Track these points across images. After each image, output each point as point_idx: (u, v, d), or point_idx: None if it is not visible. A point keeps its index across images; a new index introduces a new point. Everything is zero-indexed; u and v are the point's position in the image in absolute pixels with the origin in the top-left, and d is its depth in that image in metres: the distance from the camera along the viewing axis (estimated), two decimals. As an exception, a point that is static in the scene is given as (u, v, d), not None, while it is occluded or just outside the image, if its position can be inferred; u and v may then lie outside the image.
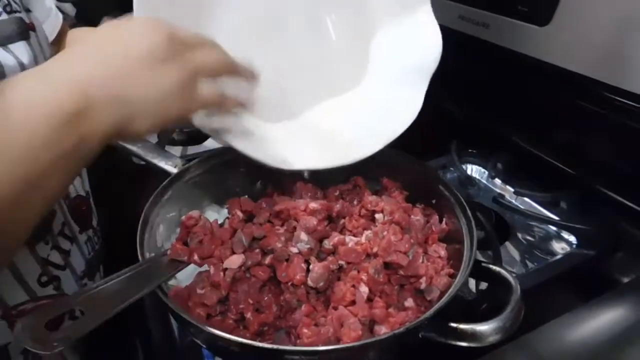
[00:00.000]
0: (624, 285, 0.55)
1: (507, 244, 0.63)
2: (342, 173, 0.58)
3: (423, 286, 0.47)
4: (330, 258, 0.47)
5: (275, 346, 0.38)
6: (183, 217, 0.52)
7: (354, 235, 0.50)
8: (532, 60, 0.67)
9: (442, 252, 0.50)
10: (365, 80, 0.55)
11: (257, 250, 0.47)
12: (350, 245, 0.47)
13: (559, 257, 0.60)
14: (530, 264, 0.61)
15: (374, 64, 0.55)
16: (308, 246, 0.46)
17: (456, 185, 0.73)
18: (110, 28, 0.37)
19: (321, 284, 0.45)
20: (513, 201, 0.70)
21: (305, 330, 0.42)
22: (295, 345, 0.43)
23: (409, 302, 0.46)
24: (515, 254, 0.62)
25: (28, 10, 0.54)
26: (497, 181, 0.73)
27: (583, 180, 0.67)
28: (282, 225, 0.49)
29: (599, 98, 0.62)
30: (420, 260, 0.48)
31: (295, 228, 0.48)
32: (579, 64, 0.61)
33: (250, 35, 0.51)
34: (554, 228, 0.65)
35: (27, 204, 0.31)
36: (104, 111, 0.32)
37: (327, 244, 0.48)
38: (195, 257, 0.47)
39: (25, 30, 0.49)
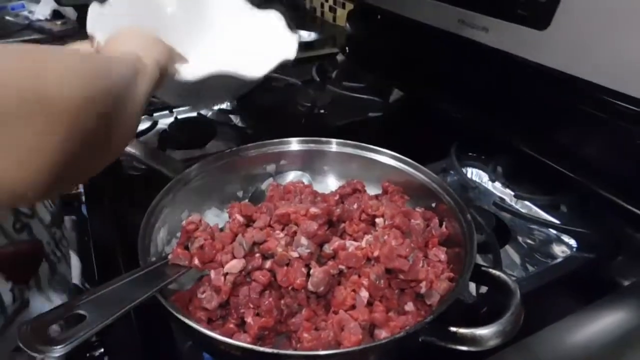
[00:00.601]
0: (624, 288, 0.55)
1: (508, 247, 0.63)
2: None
3: (423, 290, 0.47)
4: (330, 262, 0.47)
5: (275, 351, 0.39)
6: (184, 222, 0.52)
7: (354, 240, 0.50)
8: (532, 64, 0.67)
9: (442, 256, 0.50)
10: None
11: (258, 255, 0.47)
12: (350, 249, 0.47)
13: (559, 260, 0.60)
14: (530, 268, 0.61)
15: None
16: (308, 250, 0.46)
17: (456, 189, 0.72)
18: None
19: (321, 288, 0.45)
20: (513, 204, 0.70)
21: (305, 335, 0.42)
22: (295, 349, 0.43)
23: (409, 306, 0.46)
24: (516, 258, 0.62)
25: None
26: (498, 185, 0.73)
27: (583, 184, 0.67)
28: (282, 230, 0.49)
29: (599, 101, 0.62)
30: (421, 265, 0.48)
31: (295, 232, 0.48)
32: (578, 68, 0.61)
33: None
34: (554, 231, 0.65)
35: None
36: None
37: (328, 248, 0.48)
38: (196, 262, 0.47)
39: None
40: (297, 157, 0.66)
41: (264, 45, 0.77)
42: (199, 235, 0.49)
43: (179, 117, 0.93)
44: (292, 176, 0.66)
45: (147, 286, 0.42)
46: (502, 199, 0.70)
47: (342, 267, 0.47)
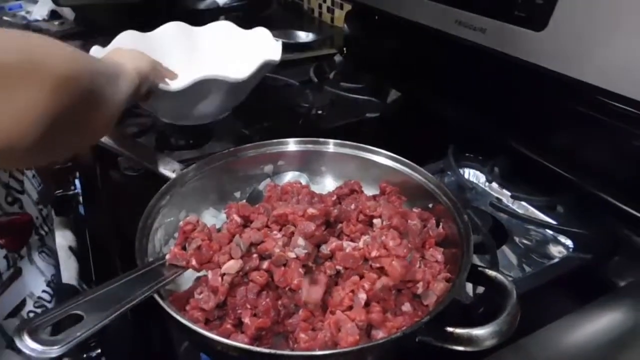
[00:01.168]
0: (621, 289, 0.55)
1: (505, 247, 0.63)
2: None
3: (420, 291, 0.47)
4: (327, 263, 0.47)
5: (272, 351, 0.39)
6: (181, 222, 0.52)
7: (352, 240, 0.50)
8: (529, 65, 0.67)
9: (439, 257, 0.50)
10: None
11: (255, 256, 0.47)
12: (347, 250, 0.47)
13: (555, 261, 0.60)
14: (527, 268, 0.61)
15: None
16: (305, 251, 0.46)
17: (454, 190, 0.73)
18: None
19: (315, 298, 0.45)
20: (510, 205, 0.70)
21: (302, 335, 0.42)
22: (293, 350, 0.43)
23: (406, 307, 0.46)
24: (513, 258, 0.63)
25: None
26: (495, 185, 0.73)
27: (580, 185, 0.67)
28: (279, 230, 0.50)
29: (595, 103, 0.62)
30: (418, 265, 0.48)
31: (293, 233, 0.48)
32: (575, 69, 0.62)
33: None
34: (550, 232, 0.65)
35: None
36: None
37: (325, 249, 0.48)
38: (194, 263, 0.47)
39: None
40: (294, 158, 0.66)
41: (250, 54, 0.86)
42: (196, 235, 0.49)
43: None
44: (289, 177, 0.66)
45: (144, 286, 0.42)
46: (499, 200, 0.71)
47: (339, 267, 0.47)
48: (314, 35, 1.39)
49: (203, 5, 1.57)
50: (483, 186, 0.74)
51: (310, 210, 0.49)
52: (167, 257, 0.47)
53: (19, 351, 0.36)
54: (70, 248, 0.76)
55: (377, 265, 0.47)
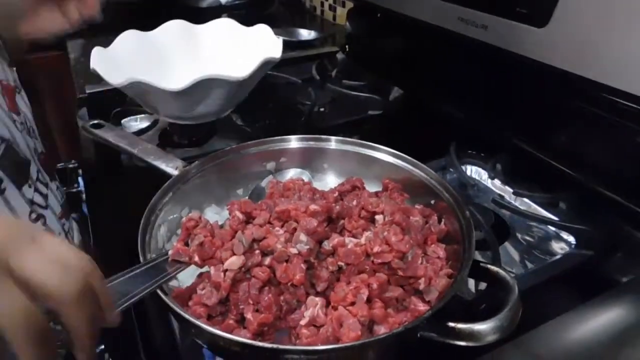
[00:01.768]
0: (622, 285, 0.55)
1: (507, 244, 0.63)
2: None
3: (422, 287, 0.47)
4: (329, 259, 0.47)
5: (274, 346, 0.39)
6: (184, 219, 0.52)
7: (354, 237, 0.50)
8: (531, 62, 0.67)
9: (441, 253, 0.50)
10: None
11: (257, 252, 0.47)
12: (349, 246, 0.48)
13: (558, 257, 0.60)
14: (529, 264, 0.61)
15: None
16: (307, 247, 0.46)
17: (456, 187, 0.73)
18: None
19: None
20: (512, 202, 0.70)
21: (304, 331, 0.43)
22: (295, 345, 0.43)
23: (408, 303, 0.46)
24: (515, 255, 0.63)
25: None
26: (497, 182, 0.73)
27: (582, 181, 0.67)
28: (282, 227, 0.50)
29: (598, 99, 0.62)
30: (420, 262, 0.48)
31: (295, 229, 0.48)
32: (577, 65, 0.62)
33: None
34: (553, 228, 0.65)
35: None
36: None
37: (327, 245, 0.48)
38: (196, 259, 0.47)
39: None
40: (296, 155, 0.66)
41: (252, 52, 0.86)
42: (198, 232, 0.50)
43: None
44: (291, 173, 0.66)
45: (147, 281, 0.43)
46: (501, 197, 0.71)
47: (341, 264, 0.47)
48: (316, 33, 1.39)
49: (205, 3, 1.57)
50: (485, 183, 0.74)
51: (313, 207, 0.49)
52: (170, 252, 0.48)
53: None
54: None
55: (379, 261, 0.47)
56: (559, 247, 0.63)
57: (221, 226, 0.53)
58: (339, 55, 1.25)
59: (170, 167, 0.60)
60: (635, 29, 0.54)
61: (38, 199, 0.62)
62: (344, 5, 1.52)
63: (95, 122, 0.68)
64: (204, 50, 0.97)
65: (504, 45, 0.71)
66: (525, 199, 0.69)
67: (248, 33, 0.94)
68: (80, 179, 0.93)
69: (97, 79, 0.76)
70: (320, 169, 0.67)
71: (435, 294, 0.47)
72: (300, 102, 1.00)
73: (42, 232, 0.34)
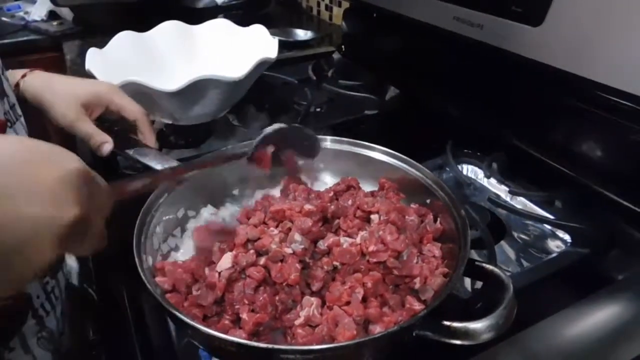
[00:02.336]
0: (618, 283, 0.55)
1: (503, 243, 0.63)
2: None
3: (417, 286, 0.47)
4: (324, 259, 0.47)
5: (270, 345, 0.39)
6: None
7: (349, 236, 0.50)
8: (526, 61, 0.67)
9: (437, 252, 0.51)
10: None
11: (252, 251, 0.47)
12: (345, 246, 0.48)
13: (553, 255, 0.61)
14: (525, 263, 0.61)
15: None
16: (302, 246, 0.46)
17: (452, 186, 0.73)
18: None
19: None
20: (508, 200, 0.70)
21: (300, 330, 0.43)
22: (290, 345, 0.43)
23: (404, 302, 0.46)
24: (511, 253, 0.63)
25: None
26: (493, 181, 0.73)
27: (578, 180, 0.67)
28: (276, 227, 0.50)
29: (593, 97, 0.62)
30: (415, 261, 0.48)
31: (290, 229, 0.48)
32: (572, 64, 0.62)
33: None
34: (548, 227, 0.65)
35: None
36: None
37: (322, 244, 0.48)
38: None
39: None
40: None
41: (247, 53, 0.86)
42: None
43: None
44: None
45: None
46: (497, 195, 0.71)
47: (336, 263, 0.47)
48: (312, 33, 1.39)
49: (201, 4, 1.57)
50: (481, 182, 0.74)
51: (308, 206, 0.49)
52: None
53: None
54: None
55: (375, 260, 0.47)
56: (554, 246, 0.63)
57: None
58: (335, 55, 1.25)
59: (166, 167, 0.60)
60: (630, 28, 0.54)
61: None
62: (340, 5, 1.52)
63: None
64: (200, 50, 0.97)
65: (500, 44, 0.71)
66: (521, 198, 0.69)
67: (244, 33, 0.94)
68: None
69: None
70: (316, 168, 0.67)
71: (430, 293, 0.47)
72: (296, 102, 1.00)
73: None
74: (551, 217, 0.65)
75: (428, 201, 0.57)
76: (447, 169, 0.76)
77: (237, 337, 0.41)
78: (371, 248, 0.47)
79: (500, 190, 0.72)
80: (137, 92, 0.74)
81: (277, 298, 0.45)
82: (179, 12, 1.20)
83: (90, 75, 0.75)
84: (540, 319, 0.48)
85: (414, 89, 1.02)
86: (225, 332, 0.42)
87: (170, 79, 0.82)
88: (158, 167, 0.61)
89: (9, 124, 0.51)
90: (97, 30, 1.42)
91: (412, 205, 0.56)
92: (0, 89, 0.50)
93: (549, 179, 0.69)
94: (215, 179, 0.62)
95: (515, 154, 0.75)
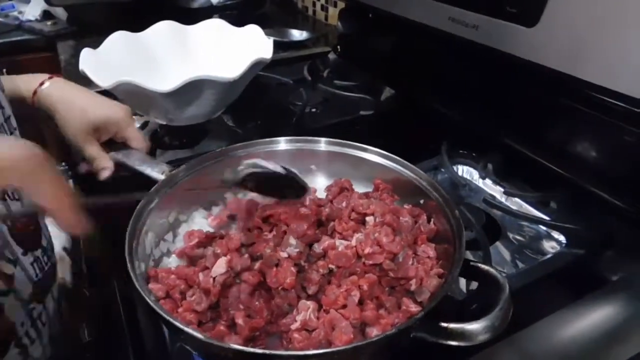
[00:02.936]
0: (613, 283, 0.55)
1: (498, 244, 0.63)
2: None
3: (413, 288, 0.47)
4: (320, 262, 0.47)
5: (267, 351, 0.38)
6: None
7: (344, 238, 0.50)
8: (521, 61, 0.67)
9: (431, 253, 0.50)
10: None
11: (246, 256, 0.47)
12: (340, 249, 0.47)
13: (549, 256, 0.61)
14: (520, 264, 0.61)
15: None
16: (297, 250, 0.46)
17: (447, 187, 0.73)
18: None
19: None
20: (503, 201, 0.70)
21: (296, 335, 0.42)
22: (287, 350, 0.43)
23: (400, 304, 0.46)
24: (506, 254, 0.63)
25: None
26: (488, 182, 0.73)
27: (573, 180, 0.67)
28: (270, 231, 0.49)
29: (588, 98, 0.62)
30: (410, 262, 0.48)
31: (285, 232, 0.48)
32: (567, 65, 0.62)
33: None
34: (544, 228, 0.65)
35: None
36: None
37: (318, 248, 0.48)
38: None
39: None
40: (285, 157, 0.66)
41: (242, 53, 0.85)
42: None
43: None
44: None
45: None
46: (492, 196, 0.71)
47: (332, 266, 0.47)
48: (307, 34, 1.39)
49: (196, 4, 1.56)
50: (476, 183, 0.74)
51: (303, 210, 0.49)
52: None
53: None
54: (65, 249, 0.75)
55: (371, 262, 0.47)
56: (549, 246, 0.63)
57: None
58: (331, 56, 1.25)
59: (156, 171, 0.59)
60: (624, 29, 0.54)
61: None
62: (335, 5, 1.52)
63: None
64: (195, 51, 0.96)
65: (495, 44, 0.71)
66: (516, 199, 0.69)
67: (239, 33, 0.94)
68: (70, 181, 0.92)
69: (87, 81, 0.75)
70: (310, 170, 0.66)
71: (427, 295, 0.47)
72: (291, 102, 1.00)
73: None
74: (546, 218, 0.65)
75: (421, 201, 0.57)
76: (442, 169, 0.76)
77: (233, 344, 0.40)
78: (367, 250, 0.47)
79: (496, 191, 0.72)
80: (131, 92, 0.73)
81: (272, 303, 0.45)
82: (173, 12, 1.19)
83: (83, 76, 0.75)
84: (535, 320, 0.48)
85: (409, 90, 1.02)
86: (221, 338, 0.42)
87: (164, 79, 0.82)
88: (147, 171, 0.60)
89: None
90: (91, 30, 1.41)
91: (405, 206, 0.56)
92: None
93: (544, 180, 0.69)
94: (207, 182, 0.61)
95: (510, 155, 0.75)
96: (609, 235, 0.61)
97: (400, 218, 0.52)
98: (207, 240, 0.52)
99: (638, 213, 0.58)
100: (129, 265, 0.45)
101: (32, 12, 1.59)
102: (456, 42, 0.78)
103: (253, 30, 0.92)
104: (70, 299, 0.65)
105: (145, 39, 0.92)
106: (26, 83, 0.63)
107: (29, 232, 0.56)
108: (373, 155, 0.62)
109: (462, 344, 0.40)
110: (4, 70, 1.44)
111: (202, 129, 0.87)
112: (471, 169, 0.77)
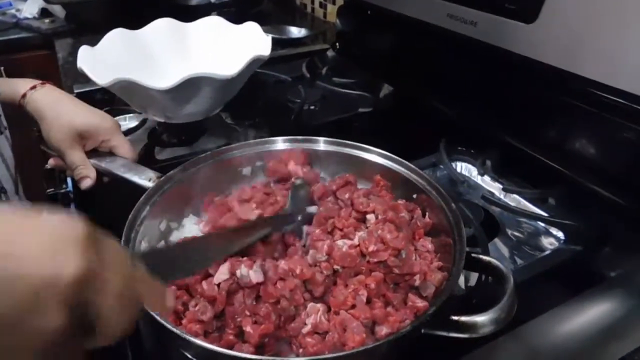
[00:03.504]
0: (611, 279, 0.56)
1: (496, 240, 0.64)
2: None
3: (417, 283, 0.47)
4: (323, 264, 0.47)
5: (284, 359, 0.38)
6: None
7: (346, 236, 0.50)
8: (520, 58, 0.67)
9: (430, 246, 0.51)
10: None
11: (246, 258, 0.46)
12: (344, 249, 0.47)
13: (547, 252, 0.61)
14: (519, 260, 0.61)
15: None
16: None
17: (446, 183, 0.73)
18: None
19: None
20: (502, 198, 0.70)
21: (309, 339, 0.42)
22: (298, 355, 0.42)
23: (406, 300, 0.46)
24: (505, 251, 0.63)
25: None
26: (486, 178, 0.73)
27: (571, 177, 0.67)
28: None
29: (586, 95, 0.62)
30: (414, 258, 0.48)
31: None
32: (566, 61, 0.62)
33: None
34: (542, 224, 0.65)
35: None
36: None
37: (321, 255, 0.47)
38: None
39: None
40: (283, 157, 0.65)
41: (241, 50, 0.85)
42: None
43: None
44: None
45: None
46: (491, 193, 0.71)
47: (337, 267, 0.47)
48: (306, 31, 1.38)
49: (194, 1, 1.56)
50: (475, 179, 0.75)
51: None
52: None
53: None
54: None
55: (375, 260, 0.47)
56: (548, 243, 0.63)
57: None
58: (330, 53, 1.25)
59: (144, 179, 0.58)
60: (623, 25, 0.55)
61: None
62: (334, 3, 1.52)
63: None
64: (193, 48, 0.96)
65: (494, 41, 0.71)
66: (515, 195, 0.69)
67: (237, 31, 0.94)
68: (68, 180, 0.92)
69: (85, 78, 0.75)
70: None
71: (432, 289, 0.47)
72: (290, 100, 0.99)
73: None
74: (545, 214, 0.66)
75: (414, 196, 0.57)
76: (441, 166, 0.76)
77: (245, 353, 0.40)
78: (371, 248, 0.47)
79: (494, 187, 0.72)
80: (129, 90, 0.73)
81: (278, 307, 0.44)
82: (171, 9, 1.19)
83: (81, 73, 0.75)
84: (535, 316, 0.48)
85: (408, 87, 1.02)
86: (231, 348, 0.41)
87: (162, 76, 0.82)
88: (134, 178, 0.59)
89: None
90: (89, 27, 1.41)
91: (400, 202, 0.56)
92: None
93: (543, 177, 0.69)
94: (199, 187, 0.60)
95: (509, 152, 0.75)
96: (607, 232, 0.61)
97: (399, 214, 0.52)
98: None
99: (636, 210, 0.59)
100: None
101: (29, 9, 1.58)
102: (455, 39, 0.78)
103: (251, 28, 0.92)
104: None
105: (143, 37, 0.92)
106: (17, 86, 0.64)
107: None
108: (372, 154, 0.62)
109: (466, 336, 0.40)
110: (2, 68, 1.43)
111: (200, 126, 0.87)
112: (470, 166, 0.77)
